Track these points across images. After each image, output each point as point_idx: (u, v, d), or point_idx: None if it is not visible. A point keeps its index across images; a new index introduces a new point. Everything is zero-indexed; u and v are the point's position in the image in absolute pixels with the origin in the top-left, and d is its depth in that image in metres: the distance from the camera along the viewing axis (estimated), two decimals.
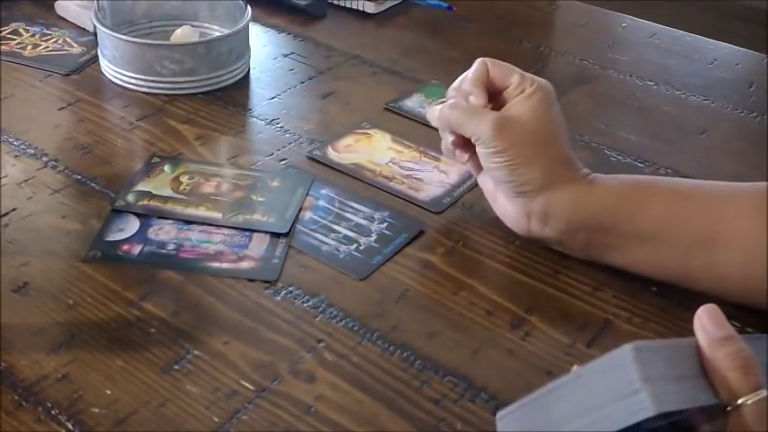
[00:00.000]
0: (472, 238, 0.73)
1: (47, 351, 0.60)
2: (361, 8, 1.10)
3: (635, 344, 0.45)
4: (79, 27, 1.03)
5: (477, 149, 0.70)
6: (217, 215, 0.73)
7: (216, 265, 0.69)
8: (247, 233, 0.72)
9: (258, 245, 0.71)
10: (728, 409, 0.46)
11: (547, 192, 0.68)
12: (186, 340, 0.62)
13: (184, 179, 0.78)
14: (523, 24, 1.12)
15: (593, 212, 0.67)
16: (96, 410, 0.56)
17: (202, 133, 0.85)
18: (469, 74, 0.72)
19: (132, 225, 0.72)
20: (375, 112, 0.90)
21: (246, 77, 0.95)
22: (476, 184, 0.76)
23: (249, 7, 0.95)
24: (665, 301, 0.67)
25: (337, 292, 0.67)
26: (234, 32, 0.92)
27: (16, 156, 0.80)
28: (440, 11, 1.12)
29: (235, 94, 0.92)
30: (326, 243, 0.71)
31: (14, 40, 0.99)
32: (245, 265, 0.69)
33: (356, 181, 0.79)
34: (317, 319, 0.64)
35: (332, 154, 0.83)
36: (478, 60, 0.72)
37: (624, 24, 1.14)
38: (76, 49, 0.98)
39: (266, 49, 1.01)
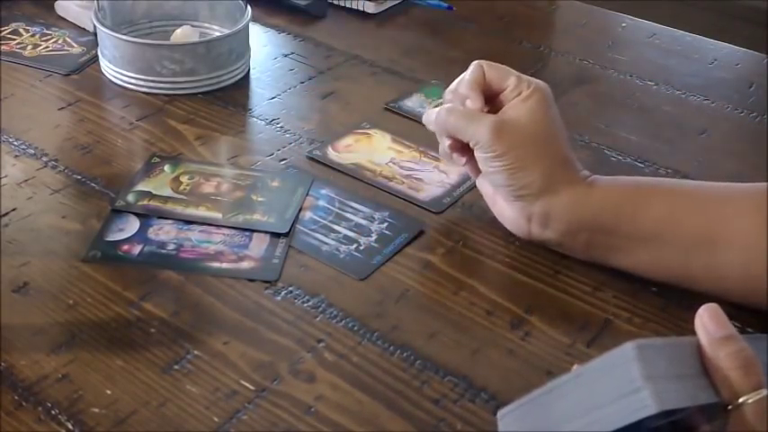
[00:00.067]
0: (472, 238, 0.73)
1: (47, 351, 0.60)
2: (361, 8, 1.10)
3: (637, 342, 0.45)
4: (79, 27, 1.03)
5: (475, 154, 0.69)
6: (217, 215, 0.73)
7: (216, 265, 0.69)
8: (247, 233, 0.72)
9: (258, 245, 0.71)
10: (729, 408, 0.46)
11: (546, 195, 0.67)
12: (186, 340, 0.62)
13: (184, 179, 0.78)
14: (523, 24, 1.12)
15: (593, 214, 0.67)
16: (96, 410, 0.56)
17: (202, 133, 0.85)
18: (466, 77, 0.72)
19: (132, 225, 0.72)
20: (375, 112, 0.90)
21: (246, 77, 0.95)
22: (476, 185, 0.76)
23: (249, 7, 0.95)
24: (665, 301, 0.67)
25: (337, 292, 0.67)
26: (234, 32, 0.92)
27: (16, 156, 0.80)
28: (440, 11, 1.12)
29: (235, 94, 0.92)
30: (326, 243, 0.71)
31: (14, 40, 0.99)
32: (245, 265, 0.69)
33: (356, 181, 0.79)
34: (317, 319, 0.64)
35: (332, 154, 0.83)
36: (474, 63, 0.72)
37: (624, 24, 1.14)
38: (76, 49, 0.98)
39: (266, 49, 1.01)
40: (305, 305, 0.65)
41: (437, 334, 0.64)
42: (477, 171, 0.72)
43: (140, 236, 0.71)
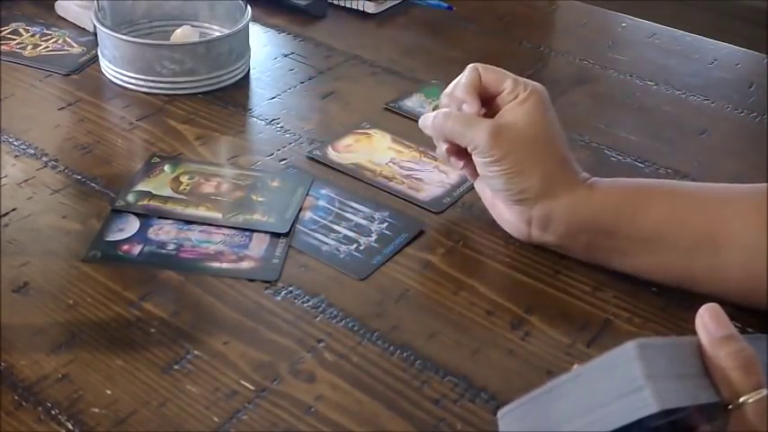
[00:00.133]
0: (472, 238, 0.73)
1: (47, 351, 0.60)
2: (361, 8, 1.10)
3: (638, 341, 0.45)
4: (79, 27, 1.03)
5: (473, 158, 0.69)
6: (217, 215, 0.73)
7: (216, 265, 0.69)
8: (247, 233, 0.72)
9: (258, 245, 0.71)
10: (730, 407, 0.46)
11: (546, 198, 0.67)
12: (186, 340, 0.62)
13: (184, 179, 0.78)
14: (523, 24, 1.12)
15: (593, 216, 0.67)
16: (96, 410, 0.56)
17: (202, 133, 0.85)
18: (461, 80, 0.71)
19: (132, 225, 0.72)
20: (375, 112, 0.90)
21: (246, 77, 0.95)
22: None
23: (249, 7, 0.95)
24: (665, 301, 0.67)
25: (337, 292, 0.67)
26: (234, 32, 0.92)
27: (16, 156, 0.80)
28: (440, 11, 1.12)
29: (235, 94, 0.92)
30: (326, 243, 0.71)
31: (14, 40, 0.99)
32: (245, 265, 0.69)
33: (356, 181, 0.79)
34: (317, 319, 0.64)
35: (332, 154, 0.83)
36: (470, 66, 0.71)
37: (624, 24, 1.14)
38: (76, 49, 0.98)
39: (266, 49, 1.01)
40: (305, 305, 0.65)
41: (437, 334, 0.64)
42: (476, 174, 0.72)
43: (140, 236, 0.71)
